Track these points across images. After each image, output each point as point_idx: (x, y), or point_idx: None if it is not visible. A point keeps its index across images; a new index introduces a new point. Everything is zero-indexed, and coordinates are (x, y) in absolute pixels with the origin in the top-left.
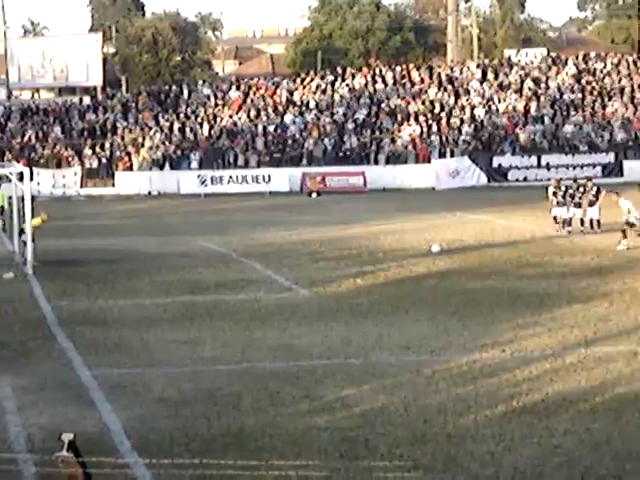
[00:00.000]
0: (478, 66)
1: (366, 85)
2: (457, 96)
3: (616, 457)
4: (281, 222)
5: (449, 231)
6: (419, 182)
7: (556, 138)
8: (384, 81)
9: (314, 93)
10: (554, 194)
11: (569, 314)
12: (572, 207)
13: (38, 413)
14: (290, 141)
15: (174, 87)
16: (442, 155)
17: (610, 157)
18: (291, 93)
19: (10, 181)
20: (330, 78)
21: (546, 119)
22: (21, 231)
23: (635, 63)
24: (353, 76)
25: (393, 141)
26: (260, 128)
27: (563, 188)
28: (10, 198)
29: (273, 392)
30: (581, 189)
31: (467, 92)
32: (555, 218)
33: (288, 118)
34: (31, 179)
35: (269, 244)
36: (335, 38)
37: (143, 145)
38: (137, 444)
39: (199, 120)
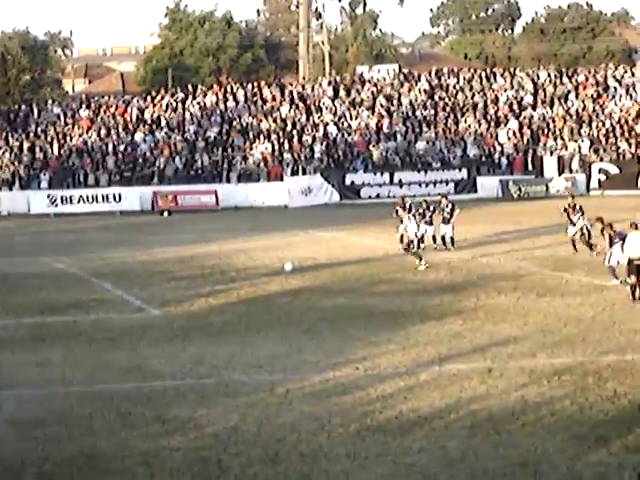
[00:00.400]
0: (330, 83)
1: (217, 103)
2: (309, 113)
3: (472, 474)
4: (132, 242)
5: (301, 249)
6: (271, 200)
7: (409, 155)
8: (235, 99)
9: (165, 111)
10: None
11: (423, 331)
12: (423, 224)
13: None
14: (141, 160)
15: (23, 106)
16: (294, 173)
17: (463, 173)
18: (142, 111)
19: None
20: (181, 96)
21: (399, 136)
22: None
23: (488, 78)
24: (204, 94)
25: (245, 159)
26: (110, 147)
27: (407, 206)
28: None
29: (125, 414)
30: (431, 207)
31: (319, 109)
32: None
33: (139, 137)
34: None
35: (120, 264)
36: (186, 56)
37: None
38: None
39: (49, 139)
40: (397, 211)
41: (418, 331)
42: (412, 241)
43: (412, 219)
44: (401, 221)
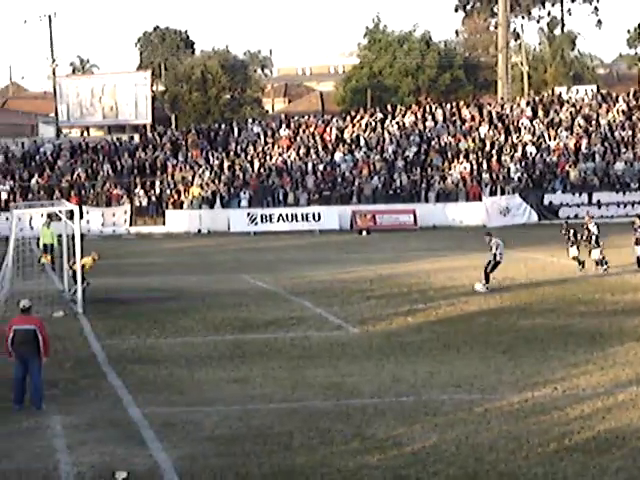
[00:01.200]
0: (528, 103)
1: (416, 123)
2: (507, 133)
3: None
4: (331, 260)
5: (500, 269)
6: (470, 220)
7: (607, 175)
8: (434, 118)
9: (364, 131)
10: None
11: (621, 352)
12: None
13: (88, 452)
14: (340, 179)
15: (224, 125)
16: (493, 193)
17: None
18: (341, 131)
19: (60, 219)
20: (380, 116)
21: (597, 156)
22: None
23: None
24: (403, 114)
25: (443, 179)
26: (310, 166)
27: (571, 230)
28: (60, 236)
29: (324, 431)
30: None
31: (518, 129)
32: (575, 258)
33: (338, 156)
34: (81, 217)
35: (319, 282)
36: (385, 75)
37: (192, 183)
38: None
39: (249, 158)
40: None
41: (616, 352)
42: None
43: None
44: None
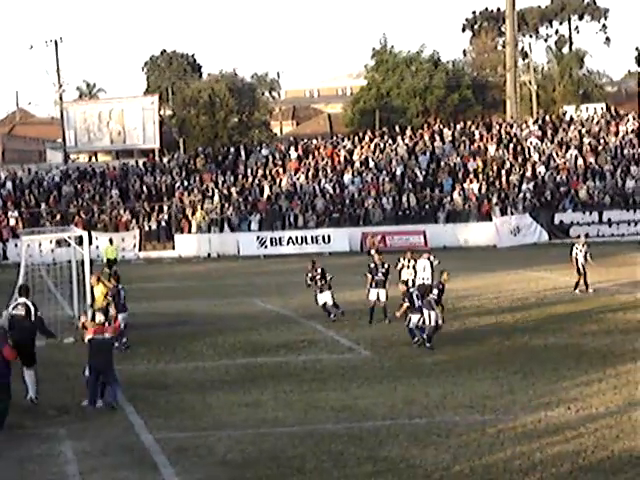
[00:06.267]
0: (536, 121)
1: (425, 143)
2: (517, 153)
3: None
4: (341, 282)
5: (512, 288)
6: (480, 240)
7: (617, 193)
8: (442, 139)
9: (373, 152)
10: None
11: (634, 370)
12: None
13: (101, 478)
14: (349, 201)
15: (232, 149)
16: (503, 212)
17: None
18: (350, 153)
19: (69, 245)
20: (388, 137)
21: (607, 174)
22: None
23: None
24: (412, 134)
25: (453, 199)
26: (319, 188)
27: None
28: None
29: (337, 454)
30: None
31: (527, 149)
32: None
33: (347, 178)
34: (90, 243)
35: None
36: (393, 97)
37: (202, 207)
38: None
39: (257, 181)
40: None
41: (629, 370)
42: None
43: None
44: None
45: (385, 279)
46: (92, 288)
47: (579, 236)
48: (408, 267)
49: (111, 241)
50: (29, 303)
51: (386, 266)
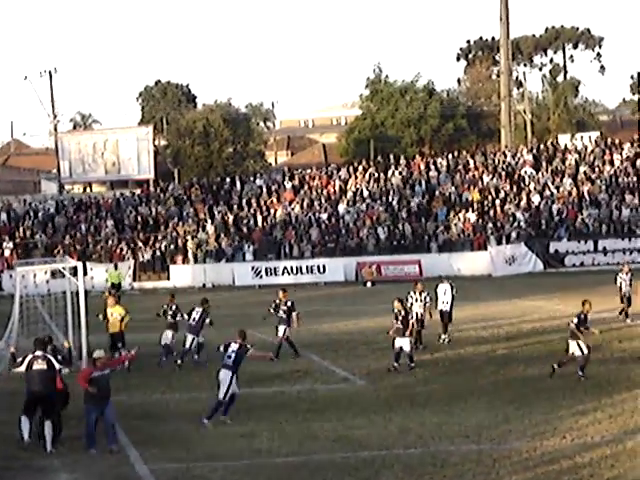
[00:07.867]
0: (530, 150)
1: (420, 173)
2: (512, 182)
3: None
4: (337, 312)
5: (507, 318)
6: (475, 269)
7: (612, 222)
8: (437, 168)
9: (367, 182)
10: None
11: (629, 399)
12: None
13: None
14: (344, 231)
15: (227, 179)
16: (498, 242)
17: None
18: (344, 182)
19: (64, 276)
20: (383, 166)
21: (602, 203)
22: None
23: None
24: (407, 164)
25: (448, 229)
26: (314, 218)
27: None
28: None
29: None
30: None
31: (522, 178)
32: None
33: (342, 208)
34: (85, 274)
35: (325, 334)
36: (387, 126)
37: (196, 237)
38: None
39: (252, 211)
40: None
41: (624, 399)
42: None
43: None
44: None
45: (288, 316)
46: (105, 309)
47: (623, 264)
48: (417, 300)
49: (116, 266)
50: (49, 356)
51: (289, 304)
